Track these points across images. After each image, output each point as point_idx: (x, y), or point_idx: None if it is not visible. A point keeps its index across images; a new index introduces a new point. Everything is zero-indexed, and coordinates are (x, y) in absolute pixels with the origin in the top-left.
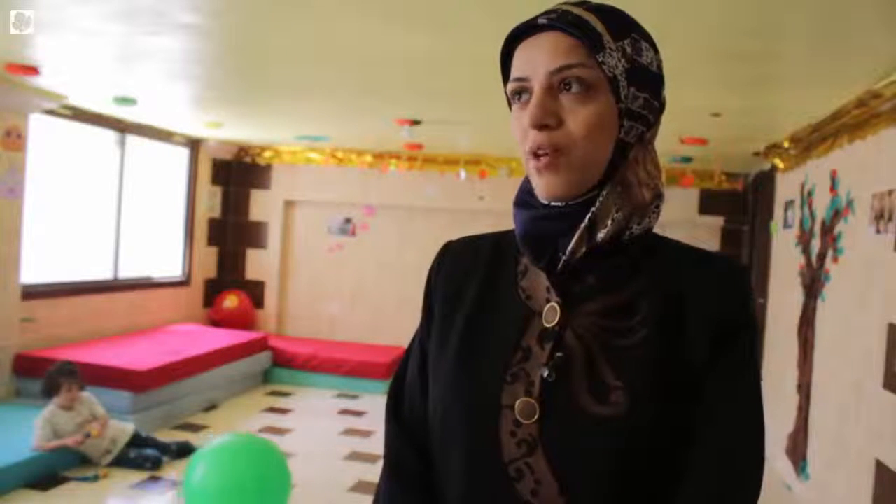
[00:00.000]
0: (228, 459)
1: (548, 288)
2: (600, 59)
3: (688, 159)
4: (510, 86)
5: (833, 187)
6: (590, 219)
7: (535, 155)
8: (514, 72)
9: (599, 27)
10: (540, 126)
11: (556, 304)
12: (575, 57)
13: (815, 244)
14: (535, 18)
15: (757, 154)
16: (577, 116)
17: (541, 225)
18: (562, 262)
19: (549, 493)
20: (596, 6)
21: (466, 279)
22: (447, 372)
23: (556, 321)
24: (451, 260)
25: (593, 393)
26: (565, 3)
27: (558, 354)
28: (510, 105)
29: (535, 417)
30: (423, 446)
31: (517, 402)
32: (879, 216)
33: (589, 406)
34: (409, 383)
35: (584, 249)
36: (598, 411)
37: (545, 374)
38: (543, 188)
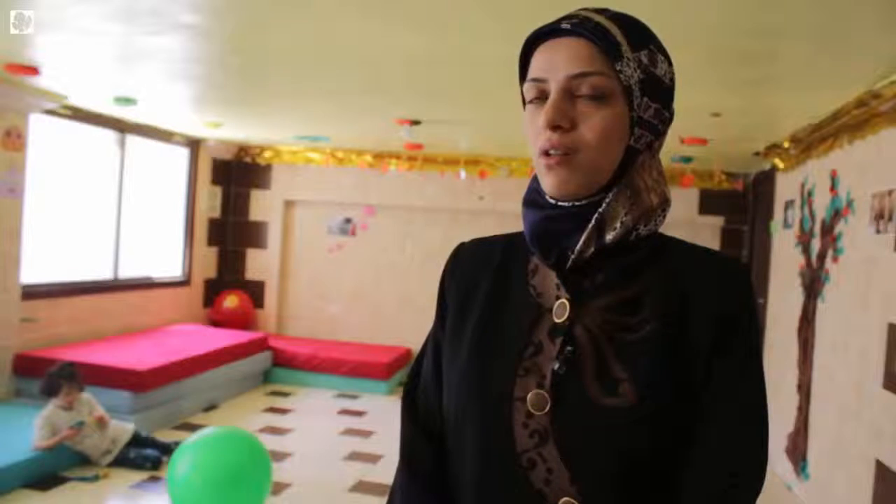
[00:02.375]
0: (205, 452)
1: (557, 285)
2: (618, 69)
3: (688, 159)
4: (527, 85)
5: (833, 187)
6: (597, 219)
7: (546, 153)
8: (532, 72)
9: (619, 37)
10: (553, 127)
11: (565, 301)
12: (594, 64)
13: (815, 244)
14: (559, 22)
15: (757, 154)
16: (591, 122)
17: (549, 224)
18: (570, 260)
19: (560, 481)
20: (617, 15)
21: (479, 279)
22: (461, 368)
23: (565, 317)
24: (463, 260)
25: (602, 385)
26: (586, 9)
27: (568, 349)
28: (524, 104)
29: (547, 408)
30: (438, 442)
31: (529, 394)
32: (879, 216)
33: (598, 397)
34: (424, 380)
35: (592, 249)
36: (607, 402)
37: (556, 367)
38: (552, 186)
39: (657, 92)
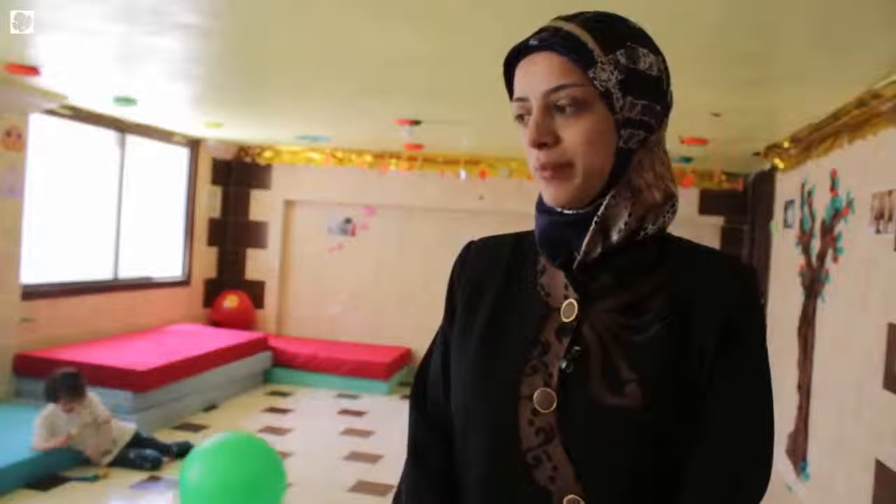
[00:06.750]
0: (222, 458)
1: (566, 285)
2: (591, 76)
3: (688, 159)
4: (513, 106)
5: (833, 187)
6: (597, 222)
7: (540, 168)
8: (515, 92)
9: (591, 43)
10: (538, 145)
11: (573, 301)
12: (566, 77)
13: (815, 244)
14: (528, 39)
15: (757, 154)
16: (572, 133)
17: (557, 229)
18: (577, 261)
19: (565, 479)
20: (590, 19)
21: (488, 277)
22: (469, 366)
23: (573, 316)
24: (473, 259)
25: (609, 384)
26: (559, 19)
27: (576, 348)
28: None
29: (553, 407)
30: (446, 437)
31: (536, 393)
32: (879, 216)
33: (604, 397)
34: (432, 377)
35: (598, 250)
36: (613, 402)
37: (563, 365)
38: (550, 198)
39: (643, 87)
